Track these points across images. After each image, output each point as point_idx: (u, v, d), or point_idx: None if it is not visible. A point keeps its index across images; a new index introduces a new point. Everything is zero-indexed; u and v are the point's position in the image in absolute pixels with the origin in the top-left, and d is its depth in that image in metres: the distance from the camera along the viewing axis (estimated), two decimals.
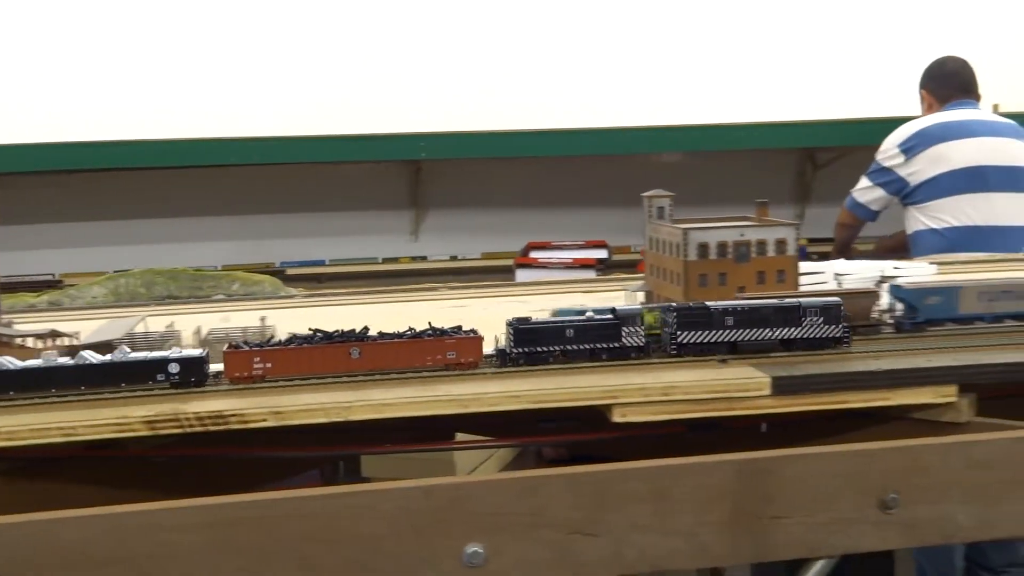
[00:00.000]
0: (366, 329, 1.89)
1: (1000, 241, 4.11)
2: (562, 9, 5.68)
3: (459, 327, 1.93)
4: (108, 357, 1.80)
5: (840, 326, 2.01)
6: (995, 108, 5.19)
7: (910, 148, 4.31)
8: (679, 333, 1.97)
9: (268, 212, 5.65)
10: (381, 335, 1.88)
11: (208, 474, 1.94)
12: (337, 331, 1.88)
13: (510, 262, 5.12)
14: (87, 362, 1.78)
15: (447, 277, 4.76)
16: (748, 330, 1.99)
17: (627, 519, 1.68)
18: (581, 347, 1.95)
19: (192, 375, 1.81)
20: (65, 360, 1.79)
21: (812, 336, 2.00)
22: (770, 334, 2.00)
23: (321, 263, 5.52)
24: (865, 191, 4.46)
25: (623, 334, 1.96)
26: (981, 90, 4.58)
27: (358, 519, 1.60)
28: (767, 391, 1.81)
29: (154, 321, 2.35)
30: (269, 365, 1.82)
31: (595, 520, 1.67)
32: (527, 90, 5.60)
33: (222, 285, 3.17)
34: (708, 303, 2.01)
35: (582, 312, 2.01)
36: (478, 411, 1.74)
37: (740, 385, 1.80)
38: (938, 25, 5.77)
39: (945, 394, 1.86)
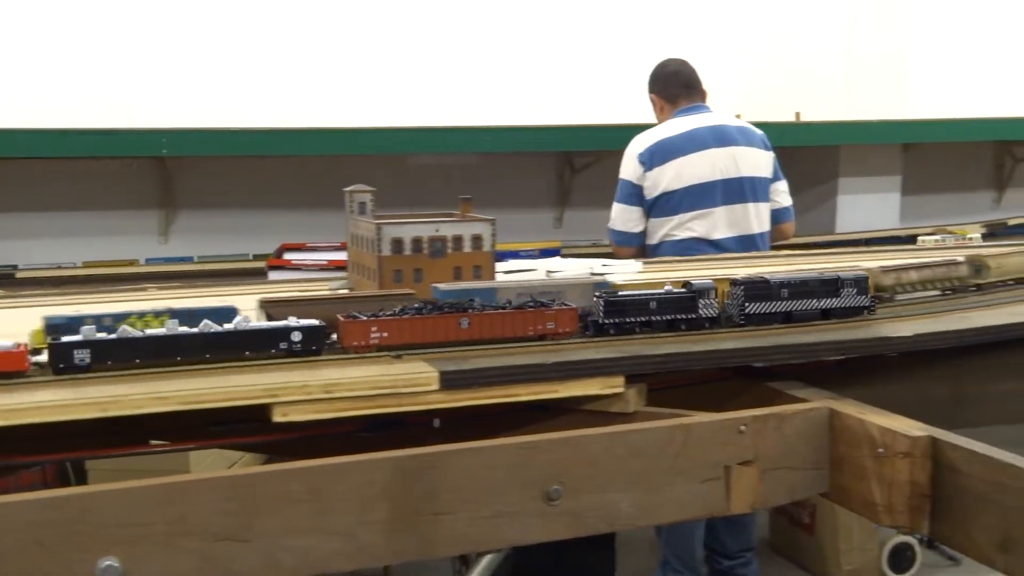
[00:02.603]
0: (471, 300, 2.01)
1: (727, 251, 4.30)
2: (319, 5, 5.58)
3: (554, 300, 2.05)
4: (231, 326, 1.83)
5: (868, 296, 2.23)
6: (738, 116, 5.47)
7: (645, 162, 4.39)
8: (746, 305, 2.12)
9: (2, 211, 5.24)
10: (486, 307, 1.99)
11: None
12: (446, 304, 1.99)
13: (263, 264, 4.95)
14: (212, 330, 1.80)
15: (198, 280, 4.56)
16: (799, 300, 2.16)
17: (282, 522, 1.61)
18: (662, 318, 2.07)
19: (312, 343, 1.85)
20: (189, 328, 1.79)
21: (848, 305, 2.21)
22: (816, 303, 2.18)
23: (189, 260, 5.21)
24: (620, 217, 4.45)
25: (699, 306, 2.09)
26: (726, 102, 4.77)
27: None
28: (435, 386, 1.78)
29: None
30: (385, 334, 1.89)
31: (246, 525, 1.59)
32: (280, 87, 5.47)
33: None
34: (766, 276, 2.16)
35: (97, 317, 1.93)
36: (120, 415, 1.62)
37: (408, 380, 1.77)
38: (686, 37, 6.05)
39: (612, 385, 1.89)
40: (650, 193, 4.35)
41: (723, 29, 6.28)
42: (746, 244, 4.35)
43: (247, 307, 2.04)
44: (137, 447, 2.04)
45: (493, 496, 1.72)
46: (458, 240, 2.25)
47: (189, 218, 5.38)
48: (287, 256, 5.02)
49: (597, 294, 2.07)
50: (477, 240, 2.26)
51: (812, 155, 5.92)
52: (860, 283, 2.23)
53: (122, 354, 1.76)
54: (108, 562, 1.51)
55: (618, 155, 4.56)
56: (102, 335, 1.76)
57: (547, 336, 1.99)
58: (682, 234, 4.36)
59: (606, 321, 2.03)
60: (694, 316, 2.10)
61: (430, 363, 1.84)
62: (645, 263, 2.84)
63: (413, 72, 5.76)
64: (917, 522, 1.77)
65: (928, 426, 1.80)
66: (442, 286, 2.08)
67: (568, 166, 5.91)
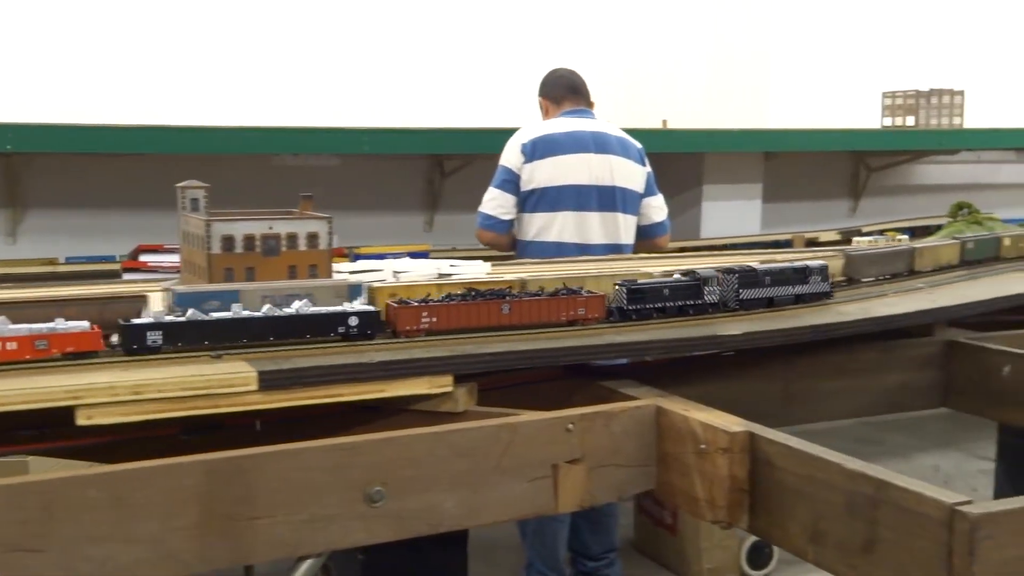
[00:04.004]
0: (510, 287, 2.15)
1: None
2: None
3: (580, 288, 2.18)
4: (294, 310, 1.90)
5: (828, 282, 2.44)
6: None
7: (527, 152, 4.36)
8: (741, 291, 2.28)
9: None
10: (524, 294, 2.11)
11: None
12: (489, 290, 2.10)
13: (117, 266, 4.77)
14: (275, 314, 1.87)
15: (45, 283, 4.35)
16: (779, 287, 2.34)
17: (81, 530, 1.53)
18: (674, 304, 2.21)
19: (368, 328, 1.93)
20: (252, 312, 1.87)
21: (815, 291, 2.42)
22: (791, 290, 2.37)
23: (111, 259, 4.90)
24: (492, 202, 4.42)
25: (704, 292, 2.24)
26: (597, 108, 4.78)
27: None
28: (254, 386, 1.72)
29: None
30: (435, 319, 1.98)
31: (41, 534, 1.51)
32: (137, 81, 5.28)
33: None
34: (753, 265, 2.35)
35: None
36: None
37: (224, 381, 1.71)
38: (556, 44, 6.10)
39: (440, 384, 1.87)
40: (525, 186, 4.34)
41: (593, 38, 6.35)
42: (615, 253, 4.38)
43: None
44: None
45: (312, 499, 1.68)
46: (293, 238, 2.18)
47: (39, 218, 5.13)
48: (143, 258, 4.84)
49: (618, 284, 2.20)
50: (313, 238, 2.20)
51: (678, 162, 6.03)
52: (823, 271, 2.44)
53: (192, 336, 1.82)
54: None
55: (489, 158, 4.53)
56: (171, 318, 1.82)
57: (578, 321, 2.11)
58: (553, 236, 4.36)
59: (629, 307, 2.17)
60: (700, 302, 2.25)
61: (250, 363, 1.78)
62: (494, 264, 2.82)
63: (279, 70, 5.64)
64: (736, 516, 1.80)
65: (747, 422, 1.84)
66: (180, 288, 1.99)
67: (438, 169, 5.88)
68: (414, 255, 5.29)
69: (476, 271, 2.69)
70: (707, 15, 6.30)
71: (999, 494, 3.18)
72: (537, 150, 4.35)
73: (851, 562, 1.58)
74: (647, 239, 4.58)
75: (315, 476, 1.67)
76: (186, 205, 2.31)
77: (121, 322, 1.80)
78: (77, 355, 1.76)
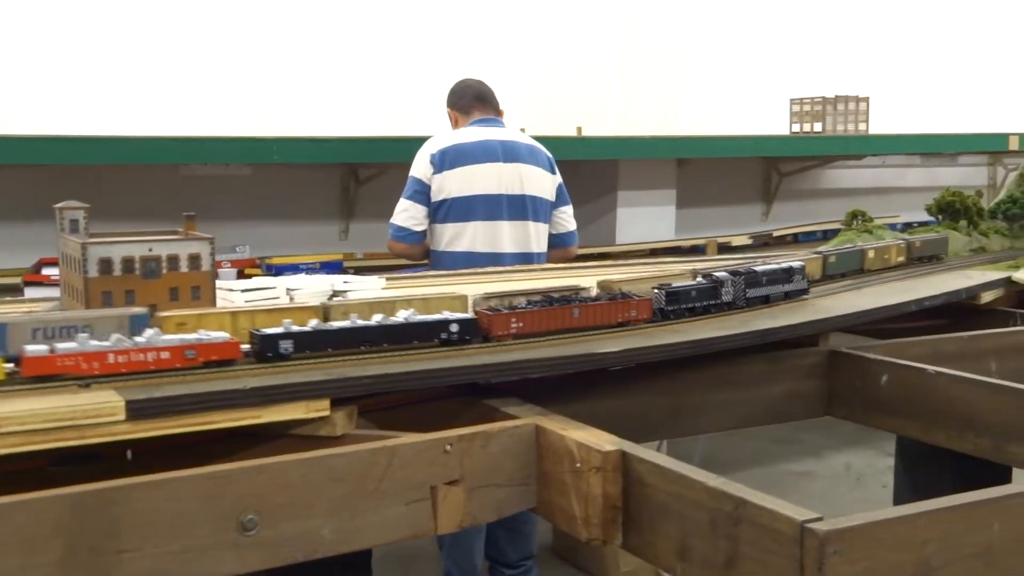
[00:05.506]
0: (577, 292, 2.38)
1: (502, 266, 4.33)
2: (79, 4, 5.30)
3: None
4: (402, 319, 2.11)
5: (806, 280, 2.76)
6: (522, 131, 5.55)
7: (436, 163, 4.37)
8: (748, 290, 2.58)
9: None
10: (587, 299, 2.36)
11: None
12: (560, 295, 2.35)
13: (18, 280, 4.65)
14: (387, 322, 2.08)
15: None
16: (772, 286, 2.65)
17: None
18: (699, 304, 2.48)
19: (467, 334, 2.14)
20: (366, 321, 2.07)
21: (798, 288, 2.73)
22: (781, 288, 2.67)
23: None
24: (403, 214, 4.42)
25: (721, 293, 2.52)
26: (512, 116, 4.80)
27: None
28: (122, 416, 1.70)
29: None
30: (521, 324, 2.20)
31: None
32: (36, 89, 5.16)
33: None
34: (753, 267, 2.66)
35: None
36: None
37: (90, 411, 1.68)
38: (473, 53, 6.11)
39: (317, 408, 1.86)
40: (436, 196, 4.35)
41: (507, 47, 6.37)
42: (526, 262, 4.40)
43: None
44: None
45: (183, 529, 1.66)
46: (174, 260, 2.16)
47: None
48: (46, 271, 4.74)
49: (657, 288, 2.44)
50: (195, 259, 2.18)
51: (593, 169, 6.09)
52: (802, 271, 2.75)
53: (317, 344, 2.00)
54: None
55: (404, 167, 4.53)
56: (298, 328, 2.01)
57: (629, 322, 2.37)
58: (464, 246, 4.37)
59: (668, 308, 2.42)
60: (719, 301, 2.52)
61: (119, 392, 1.76)
62: (389, 279, 2.83)
63: (186, 78, 5.55)
64: (611, 534, 1.83)
65: (620, 440, 1.86)
66: None
67: (353, 177, 5.84)
68: (328, 264, 5.28)
69: (368, 287, 2.69)
70: (620, 23, 6.37)
71: (897, 490, 3.29)
72: (446, 160, 4.36)
73: None
74: (559, 247, 4.62)
75: (185, 506, 1.65)
76: (65, 227, 2.26)
77: (254, 332, 1.99)
78: (219, 363, 1.91)
